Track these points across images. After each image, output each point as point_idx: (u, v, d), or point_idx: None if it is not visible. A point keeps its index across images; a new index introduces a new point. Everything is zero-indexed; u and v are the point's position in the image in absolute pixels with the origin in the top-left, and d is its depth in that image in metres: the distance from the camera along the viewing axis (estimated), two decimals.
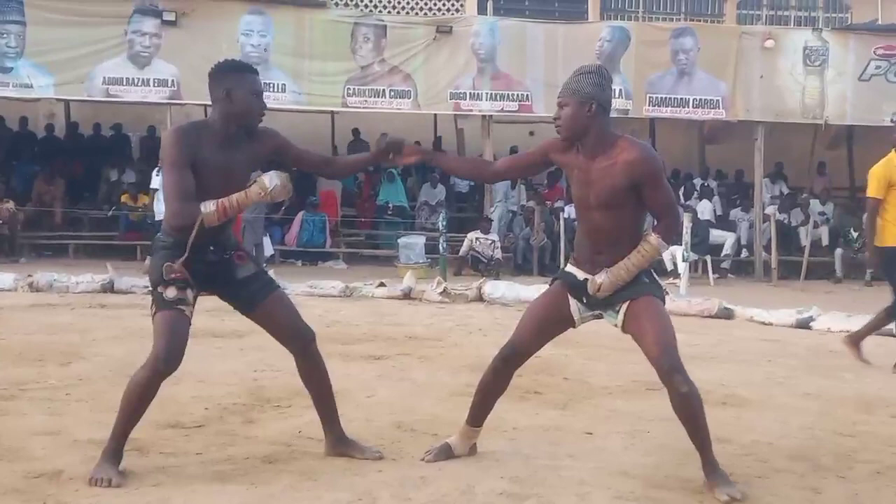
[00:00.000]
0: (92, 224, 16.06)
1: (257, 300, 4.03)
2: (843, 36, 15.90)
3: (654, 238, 3.88)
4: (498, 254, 14.67)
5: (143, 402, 3.80)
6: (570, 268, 4.06)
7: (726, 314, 10.04)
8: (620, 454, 4.42)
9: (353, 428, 4.38)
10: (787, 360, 7.37)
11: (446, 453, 4.18)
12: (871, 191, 7.28)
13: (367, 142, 17.96)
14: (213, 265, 3.94)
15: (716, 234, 15.72)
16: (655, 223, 3.95)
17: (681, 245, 12.57)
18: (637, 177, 3.78)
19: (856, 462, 4.40)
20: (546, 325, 4.07)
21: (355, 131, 17.90)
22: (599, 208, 3.85)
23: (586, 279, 3.91)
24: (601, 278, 3.85)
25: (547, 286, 4.25)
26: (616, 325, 3.94)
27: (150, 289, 3.95)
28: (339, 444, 4.22)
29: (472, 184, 17.37)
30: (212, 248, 3.93)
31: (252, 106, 3.93)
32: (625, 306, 3.88)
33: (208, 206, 3.76)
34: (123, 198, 15.70)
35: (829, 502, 3.79)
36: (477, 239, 14.67)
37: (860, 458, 4.48)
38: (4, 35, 14.42)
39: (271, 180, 3.82)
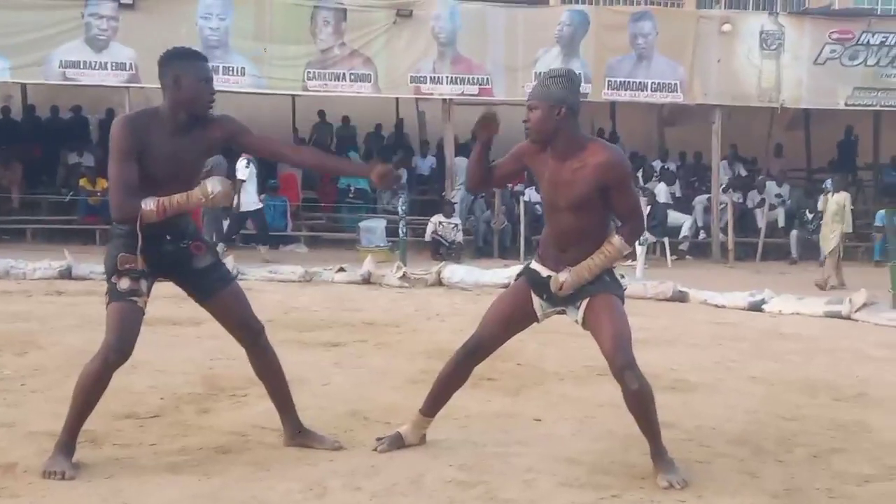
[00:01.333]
0: (50, 208, 15.94)
1: (211, 291, 4.07)
2: (798, 20, 16.08)
3: (617, 240, 3.98)
4: (460, 237, 14.76)
5: (95, 393, 3.84)
6: (533, 265, 4.15)
7: (680, 297, 10.20)
8: (568, 440, 4.53)
9: (307, 416, 4.44)
10: (738, 344, 7.53)
11: (398, 443, 4.27)
12: None
13: (332, 124, 18.01)
14: (170, 254, 3.98)
15: (673, 217, 15.91)
16: (619, 225, 4.04)
17: None
18: (606, 180, 3.87)
19: (795, 446, 4.54)
20: (510, 320, 4.17)
21: (321, 113, 17.90)
22: (567, 209, 3.94)
23: (549, 276, 4.01)
24: (563, 277, 3.95)
25: (505, 269, 4.33)
26: (577, 321, 4.05)
27: (105, 277, 3.98)
28: (297, 434, 4.29)
29: (434, 166, 17.43)
30: (168, 237, 3.95)
31: (201, 92, 3.93)
32: (585, 303, 3.98)
33: (148, 204, 3.78)
34: (82, 181, 15.56)
35: (765, 486, 3.92)
36: (440, 223, 14.75)
37: (799, 441, 4.63)
38: None
39: (214, 187, 3.85)
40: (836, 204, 12.35)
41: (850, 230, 12.64)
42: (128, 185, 3.79)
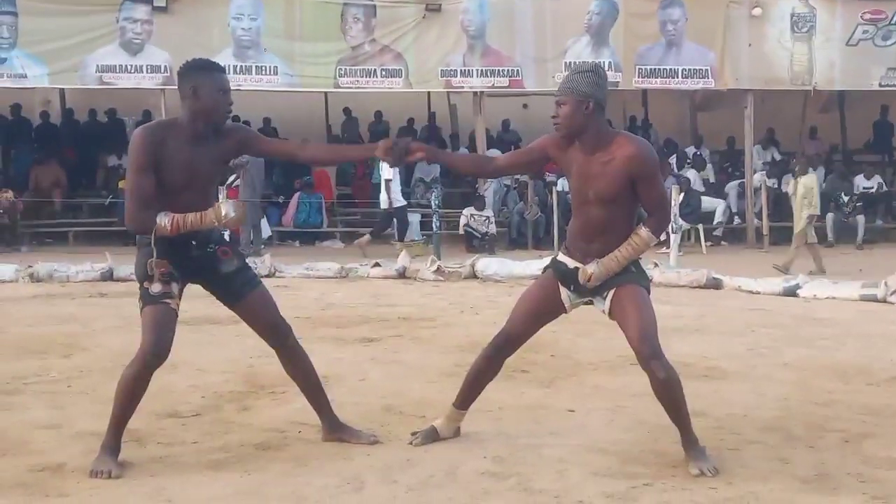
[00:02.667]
0: (91, 210, 16.21)
1: (239, 295, 4.18)
2: (829, 2, 15.93)
3: (644, 232, 4.05)
4: (492, 229, 14.83)
5: (136, 395, 3.97)
6: (561, 256, 4.23)
7: (715, 284, 10.20)
8: (601, 431, 4.60)
9: (343, 412, 4.55)
10: (771, 330, 7.53)
11: (433, 436, 4.36)
12: None
13: (357, 118, 18.11)
14: (196, 259, 4.09)
15: (707, 202, 15.87)
16: (646, 217, 4.10)
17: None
18: (634, 172, 3.94)
19: (826, 431, 4.58)
20: (538, 313, 4.25)
21: (346, 110, 18.03)
22: (596, 202, 4.01)
23: (577, 268, 4.08)
24: (592, 268, 4.02)
25: (539, 260, 4.39)
26: (604, 312, 4.13)
27: (138, 283, 4.11)
28: (334, 429, 4.39)
29: None
30: (194, 242, 4.06)
31: (218, 103, 4.04)
32: (611, 293, 4.05)
33: (163, 219, 3.91)
34: (121, 183, 15.77)
35: (795, 472, 3.97)
36: (472, 216, 14.84)
37: (831, 427, 4.66)
38: None
39: (227, 210, 4.00)
40: (804, 187, 12.10)
41: (818, 212, 12.41)
42: (143, 198, 3.91)
